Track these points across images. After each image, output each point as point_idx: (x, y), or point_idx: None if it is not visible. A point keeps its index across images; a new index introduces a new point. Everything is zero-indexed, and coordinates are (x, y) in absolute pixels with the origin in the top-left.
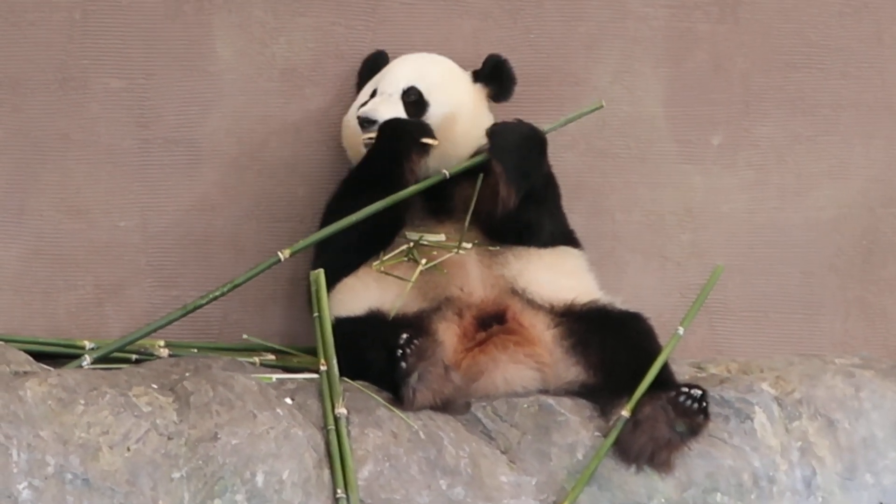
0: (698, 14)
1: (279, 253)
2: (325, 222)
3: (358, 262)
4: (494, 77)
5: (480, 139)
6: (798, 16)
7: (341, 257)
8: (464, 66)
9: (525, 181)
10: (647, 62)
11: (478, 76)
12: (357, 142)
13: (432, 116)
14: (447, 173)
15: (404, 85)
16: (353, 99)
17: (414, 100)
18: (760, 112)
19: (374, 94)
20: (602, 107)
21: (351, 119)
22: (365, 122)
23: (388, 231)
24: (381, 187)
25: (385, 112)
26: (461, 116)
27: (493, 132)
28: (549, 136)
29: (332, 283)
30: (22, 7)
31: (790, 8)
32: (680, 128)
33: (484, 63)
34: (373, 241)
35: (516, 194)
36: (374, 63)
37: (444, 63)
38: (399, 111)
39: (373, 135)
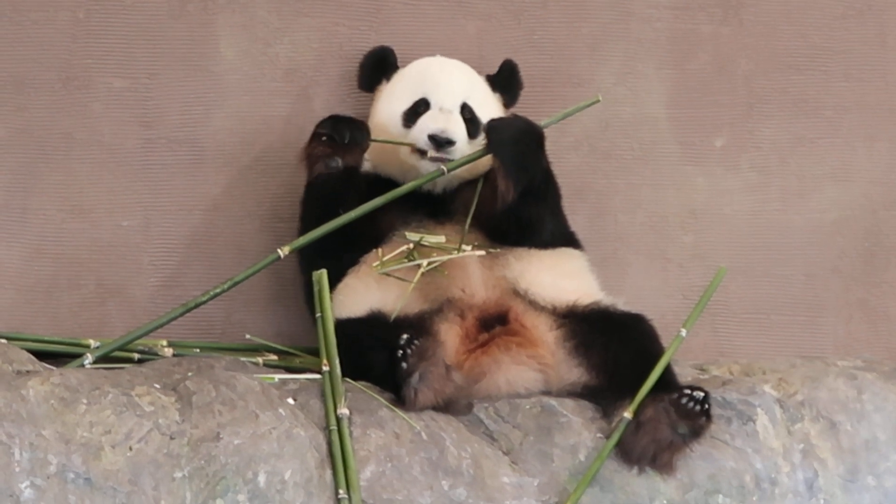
0: (702, 16)
1: (279, 250)
2: (303, 221)
3: (339, 264)
4: (510, 85)
5: None
6: (801, 18)
7: (321, 260)
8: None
9: (524, 175)
10: (650, 64)
11: (495, 84)
12: (405, 153)
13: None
14: (444, 169)
15: (460, 101)
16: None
17: (469, 118)
18: (763, 114)
19: (420, 103)
20: (598, 101)
21: (389, 125)
22: (444, 142)
23: (363, 231)
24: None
25: (458, 132)
26: None
27: (491, 127)
28: (552, 138)
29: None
30: (25, 6)
31: (793, 10)
32: (683, 129)
33: (500, 70)
34: (348, 242)
35: (515, 188)
36: (383, 60)
37: (476, 74)
38: (464, 131)
39: (446, 156)
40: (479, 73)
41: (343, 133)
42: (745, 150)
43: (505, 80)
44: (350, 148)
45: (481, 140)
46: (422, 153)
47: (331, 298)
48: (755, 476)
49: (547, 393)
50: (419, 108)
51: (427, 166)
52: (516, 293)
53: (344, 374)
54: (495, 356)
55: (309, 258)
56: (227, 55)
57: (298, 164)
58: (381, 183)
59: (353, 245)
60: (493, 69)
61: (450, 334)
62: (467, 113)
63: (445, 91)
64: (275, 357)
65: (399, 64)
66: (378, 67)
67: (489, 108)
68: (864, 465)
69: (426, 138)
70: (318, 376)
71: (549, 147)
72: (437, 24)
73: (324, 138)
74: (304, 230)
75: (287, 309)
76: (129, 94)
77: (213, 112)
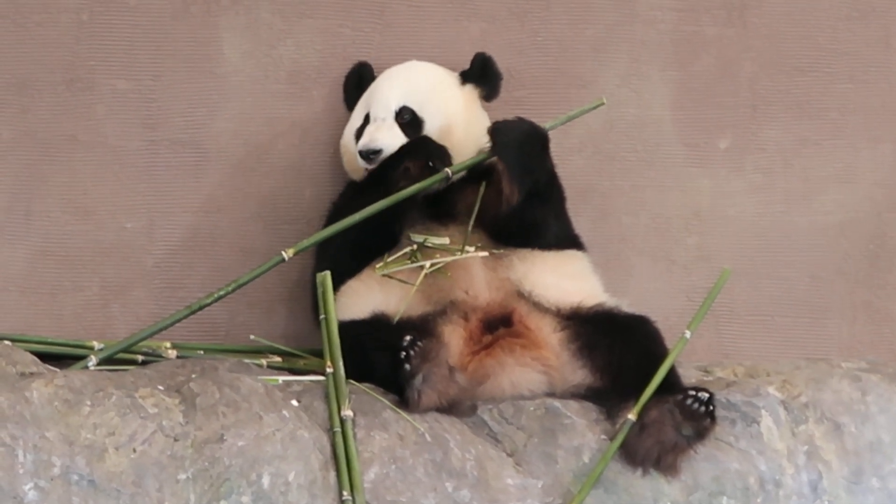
0: (706, 18)
1: (283, 252)
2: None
3: (355, 266)
4: (484, 76)
5: (480, 142)
6: (805, 19)
7: (338, 261)
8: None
9: (528, 177)
10: (654, 65)
11: (467, 77)
12: (359, 167)
13: (429, 133)
14: (449, 172)
15: (395, 106)
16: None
17: (408, 120)
18: (768, 116)
19: (366, 118)
20: (603, 103)
21: (349, 144)
22: (370, 154)
23: (386, 236)
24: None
25: (384, 140)
26: (456, 125)
27: (495, 130)
28: (556, 140)
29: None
30: (29, 8)
31: (798, 12)
32: (687, 131)
33: (472, 63)
34: (370, 245)
35: (519, 191)
36: (359, 77)
37: (431, 72)
38: (397, 135)
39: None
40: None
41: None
42: (750, 152)
43: (477, 73)
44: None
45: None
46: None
47: (334, 300)
48: (759, 478)
49: (551, 395)
50: (366, 123)
51: None
52: (520, 295)
53: (348, 376)
54: (499, 358)
55: (331, 258)
56: (230, 57)
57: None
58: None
59: (370, 248)
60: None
61: (453, 336)
62: (406, 115)
63: (381, 101)
64: (278, 359)
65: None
66: (357, 85)
67: (446, 102)
68: (869, 467)
69: (360, 160)
70: (321, 378)
71: (554, 149)
72: (440, 25)
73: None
74: (339, 243)
75: (291, 311)
76: (132, 95)
77: (216, 114)
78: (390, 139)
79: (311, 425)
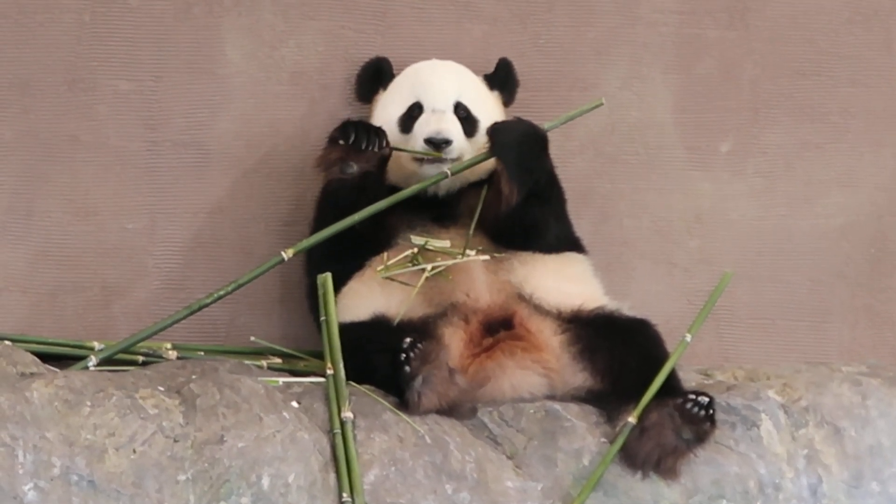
0: (708, 20)
1: (282, 252)
2: (315, 225)
3: (346, 268)
4: (507, 82)
5: None
6: (807, 23)
7: (328, 263)
8: (473, 71)
9: (527, 177)
10: (656, 68)
11: (492, 83)
12: (406, 160)
13: (482, 132)
14: (448, 171)
15: (453, 100)
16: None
17: (465, 116)
18: (769, 119)
19: (412, 107)
20: (602, 104)
21: (390, 133)
22: (441, 144)
23: (370, 236)
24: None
25: (452, 130)
26: None
27: (494, 130)
28: (557, 142)
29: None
30: (31, 8)
31: (800, 15)
32: (689, 134)
33: (497, 69)
34: (356, 246)
35: (519, 191)
36: (377, 70)
37: (471, 73)
38: (460, 129)
39: (445, 157)
40: (480, 74)
41: (360, 138)
42: (751, 155)
43: (502, 78)
44: (366, 153)
45: (479, 138)
46: (420, 161)
47: (335, 302)
48: (759, 481)
49: (551, 397)
50: (413, 113)
51: (428, 171)
52: (521, 297)
53: (348, 378)
54: (500, 361)
55: (315, 262)
56: (232, 58)
57: (314, 170)
58: (387, 188)
59: (360, 249)
60: None
61: (454, 339)
62: (462, 111)
63: (437, 92)
64: (279, 360)
65: (399, 69)
66: (374, 78)
67: (486, 105)
68: (869, 471)
69: (423, 143)
70: (322, 380)
71: (555, 151)
72: (443, 27)
73: (340, 142)
74: (314, 234)
75: (291, 312)
76: (134, 96)
77: (218, 115)
78: (456, 131)
79: (312, 427)
